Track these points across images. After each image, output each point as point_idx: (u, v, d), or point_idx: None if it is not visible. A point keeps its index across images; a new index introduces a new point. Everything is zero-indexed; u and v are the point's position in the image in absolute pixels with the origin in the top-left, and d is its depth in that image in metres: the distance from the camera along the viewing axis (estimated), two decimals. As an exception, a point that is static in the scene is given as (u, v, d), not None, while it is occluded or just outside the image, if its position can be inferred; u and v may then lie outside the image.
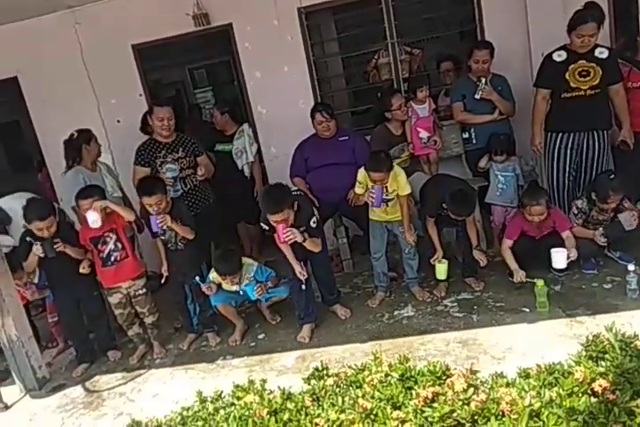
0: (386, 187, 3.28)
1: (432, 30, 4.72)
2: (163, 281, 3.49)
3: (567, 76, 3.40)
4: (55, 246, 3.15)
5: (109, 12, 4.45)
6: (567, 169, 3.63)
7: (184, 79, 7.61)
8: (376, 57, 4.49)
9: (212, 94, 7.53)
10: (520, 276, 3.19)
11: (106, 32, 4.48)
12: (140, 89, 4.67)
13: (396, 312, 3.35)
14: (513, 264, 3.27)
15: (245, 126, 4.43)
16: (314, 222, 3.15)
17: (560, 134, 3.57)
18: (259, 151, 4.49)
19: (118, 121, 4.66)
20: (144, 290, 3.39)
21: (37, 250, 3.15)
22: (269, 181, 4.64)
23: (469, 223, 3.37)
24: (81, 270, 3.26)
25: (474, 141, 3.98)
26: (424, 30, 4.70)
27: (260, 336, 3.41)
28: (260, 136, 4.60)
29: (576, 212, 3.33)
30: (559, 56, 3.42)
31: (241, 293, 3.34)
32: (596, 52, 3.37)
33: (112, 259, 3.29)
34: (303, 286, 3.18)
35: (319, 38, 4.67)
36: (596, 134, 3.52)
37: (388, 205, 3.36)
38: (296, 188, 3.38)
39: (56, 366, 3.58)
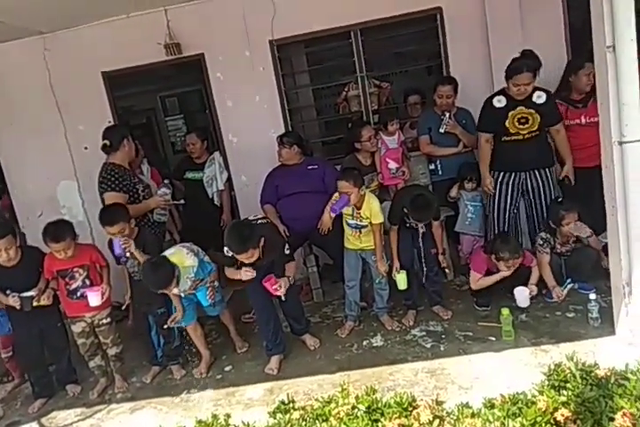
0: (359, 213, 3.32)
1: (400, 65, 4.88)
2: (123, 308, 3.44)
3: (507, 124, 3.50)
4: (33, 301, 3.09)
5: (80, 39, 4.46)
6: (508, 207, 3.70)
7: (155, 107, 7.63)
8: (346, 89, 4.60)
9: (184, 122, 7.56)
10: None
11: (75, 59, 4.48)
12: (109, 116, 4.65)
13: (365, 342, 3.33)
14: (494, 278, 3.30)
15: (216, 154, 4.45)
16: (287, 249, 3.15)
17: (502, 173, 3.67)
18: (229, 179, 4.50)
19: (86, 148, 4.61)
20: (108, 319, 3.30)
21: (15, 302, 3.09)
22: (239, 210, 4.65)
23: (435, 229, 3.43)
24: (41, 302, 3.15)
25: (440, 173, 4.09)
26: (392, 64, 4.85)
27: (227, 368, 3.33)
28: (230, 164, 4.61)
29: (541, 242, 3.42)
30: (499, 102, 3.51)
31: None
32: (534, 97, 3.45)
33: (78, 294, 3.20)
34: (283, 298, 3.13)
35: (290, 70, 4.77)
36: (537, 173, 3.62)
37: (361, 232, 3.39)
38: (262, 215, 3.36)
39: (11, 402, 3.41)
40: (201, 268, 3.22)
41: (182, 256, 3.16)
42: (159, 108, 7.71)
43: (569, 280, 3.35)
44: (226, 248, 2.98)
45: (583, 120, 3.68)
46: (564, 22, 4.21)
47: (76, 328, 3.27)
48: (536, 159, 3.61)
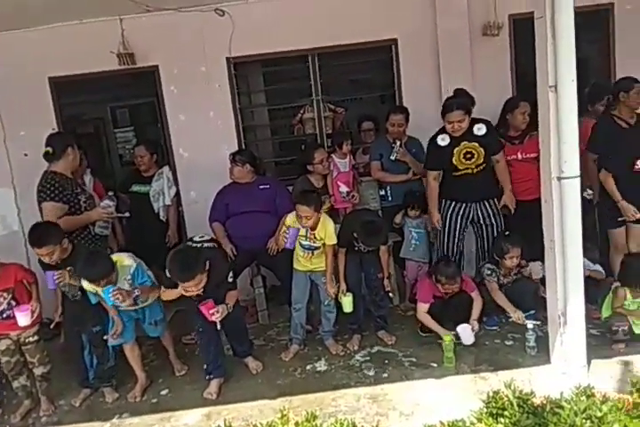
0: (314, 234, 3.32)
1: (355, 91, 4.99)
2: (52, 326, 3.27)
3: (454, 161, 3.62)
4: None
5: (27, 42, 4.29)
6: (457, 235, 3.80)
7: (104, 117, 7.40)
8: (301, 111, 4.65)
9: (134, 134, 7.37)
10: (452, 337, 3.19)
11: (21, 62, 4.31)
12: (53, 123, 4.48)
13: (308, 366, 3.29)
14: (438, 328, 3.32)
15: (165, 169, 4.34)
16: (230, 277, 3.07)
17: (453, 203, 3.78)
18: (177, 195, 4.39)
19: (26, 154, 4.40)
20: (36, 337, 3.11)
21: None
22: (186, 226, 4.54)
23: (382, 253, 3.48)
24: None
25: (389, 199, 4.18)
26: (348, 91, 4.96)
27: (164, 392, 3.19)
28: (179, 180, 4.52)
29: (489, 272, 3.52)
30: (443, 140, 3.63)
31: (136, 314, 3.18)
32: (475, 130, 3.57)
33: (4, 315, 3.02)
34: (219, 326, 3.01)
35: (246, 88, 4.78)
36: (487, 202, 3.75)
37: (313, 254, 3.38)
38: (209, 237, 3.26)
39: None
40: (139, 274, 3.09)
41: (121, 256, 3.10)
42: (108, 119, 7.48)
43: (533, 312, 3.43)
44: (168, 271, 2.86)
45: (520, 156, 3.84)
46: (511, 62, 4.46)
47: (0, 346, 3.06)
48: (485, 190, 3.73)
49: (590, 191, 3.78)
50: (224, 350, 3.29)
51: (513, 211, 3.77)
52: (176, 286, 2.88)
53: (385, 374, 3.10)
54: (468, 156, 3.61)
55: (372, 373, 3.13)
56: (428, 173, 3.78)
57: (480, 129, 3.58)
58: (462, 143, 3.59)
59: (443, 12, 4.29)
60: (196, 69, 4.43)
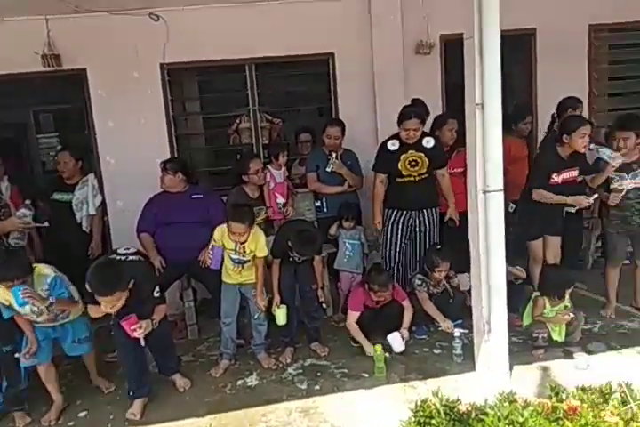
0: (243, 247, 3.24)
1: (293, 103, 5.01)
2: None
3: (399, 166, 3.75)
4: None
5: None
6: (399, 242, 3.90)
7: (27, 122, 7.00)
8: (238, 121, 4.60)
9: (58, 140, 7.00)
10: (371, 350, 3.24)
11: None
12: (-32, 127, 4.17)
13: (239, 381, 3.20)
14: (362, 339, 3.35)
15: (91, 176, 4.13)
16: (157, 293, 2.93)
17: (395, 211, 3.89)
18: (103, 204, 4.18)
19: None
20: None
21: None
22: (112, 237, 4.33)
23: (316, 263, 3.48)
24: None
25: (325, 210, 4.20)
26: (285, 102, 4.97)
27: (82, 414, 2.99)
28: (105, 188, 4.34)
29: (419, 283, 3.60)
30: (392, 145, 3.76)
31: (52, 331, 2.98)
32: (424, 142, 3.73)
33: None
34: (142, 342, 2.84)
35: (181, 95, 4.68)
36: (425, 211, 3.87)
37: (243, 267, 3.31)
38: (134, 250, 3.07)
39: None
40: (56, 285, 2.89)
41: (40, 265, 2.94)
42: (31, 124, 7.08)
43: (460, 321, 3.52)
44: (87, 284, 2.67)
45: (448, 170, 3.97)
46: (441, 80, 4.64)
47: None
48: (425, 199, 3.85)
49: (513, 205, 3.96)
50: (149, 368, 3.13)
51: (458, 223, 3.86)
52: (96, 302, 2.71)
53: (317, 387, 3.07)
54: (413, 163, 3.73)
55: (304, 386, 3.09)
56: (375, 175, 3.87)
57: (429, 142, 3.73)
58: (410, 151, 3.72)
59: (377, 30, 4.42)
60: (128, 74, 4.30)
